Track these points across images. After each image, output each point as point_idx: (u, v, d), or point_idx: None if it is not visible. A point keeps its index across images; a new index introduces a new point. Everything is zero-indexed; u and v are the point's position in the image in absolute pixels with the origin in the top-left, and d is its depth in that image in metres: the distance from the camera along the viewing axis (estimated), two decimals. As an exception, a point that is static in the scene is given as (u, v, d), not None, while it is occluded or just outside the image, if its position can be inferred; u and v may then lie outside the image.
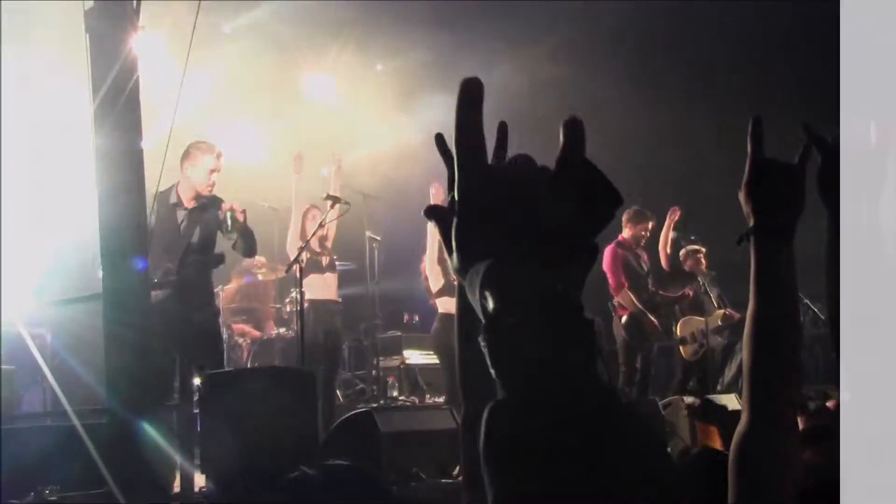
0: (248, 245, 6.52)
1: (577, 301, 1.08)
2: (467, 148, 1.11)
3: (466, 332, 1.26)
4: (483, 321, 1.07)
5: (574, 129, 1.09)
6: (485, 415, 1.04)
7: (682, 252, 9.42)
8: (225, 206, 6.37)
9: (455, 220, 1.12)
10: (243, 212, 6.37)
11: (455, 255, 1.11)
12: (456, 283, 1.27)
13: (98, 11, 4.66)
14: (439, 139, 1.21)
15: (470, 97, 1.11)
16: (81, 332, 6.21)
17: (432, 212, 1.20)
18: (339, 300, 8.64)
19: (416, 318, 10.59)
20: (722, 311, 9.22)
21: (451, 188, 1.16)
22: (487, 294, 1.07)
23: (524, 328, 1.05)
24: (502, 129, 1.24)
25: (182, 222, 6.37)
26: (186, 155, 6.36)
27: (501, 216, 1.09)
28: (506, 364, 1.05)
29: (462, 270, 1.11)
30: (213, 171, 6.37)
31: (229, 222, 6.32)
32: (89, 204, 5.01)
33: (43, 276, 6.98)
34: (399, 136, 9.94)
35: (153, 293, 5.93)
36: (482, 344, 1.06)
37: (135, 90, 4.94)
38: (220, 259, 6.65)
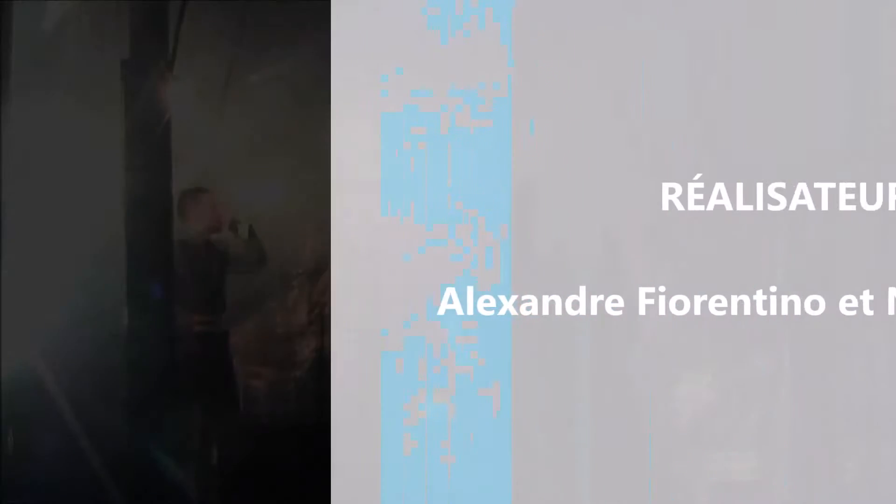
0: (259, 249, 6.60)
1: None
2: None
3: None
4: None
5: None
6: None
7: None
8: (225, 219, 6.53)
9: None
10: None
11: None
12: None
13: (134, 63, 4.81)
14: None
15: None
16: (102, 375, 6.23)
17: None
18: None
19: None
20: None
21: None
22: None
23: None
24: None
25: (204, 261, 6.49)
26: (194, 200, 6.48)
27: None
28: None
29: None
30: (215, 205, 6.56)
31: (243, 230, 6.46)
32: (117, 249, 5.07)
33: (66, 320, 7.01)
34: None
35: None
36: None
37: (165, 137, 5.07)
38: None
